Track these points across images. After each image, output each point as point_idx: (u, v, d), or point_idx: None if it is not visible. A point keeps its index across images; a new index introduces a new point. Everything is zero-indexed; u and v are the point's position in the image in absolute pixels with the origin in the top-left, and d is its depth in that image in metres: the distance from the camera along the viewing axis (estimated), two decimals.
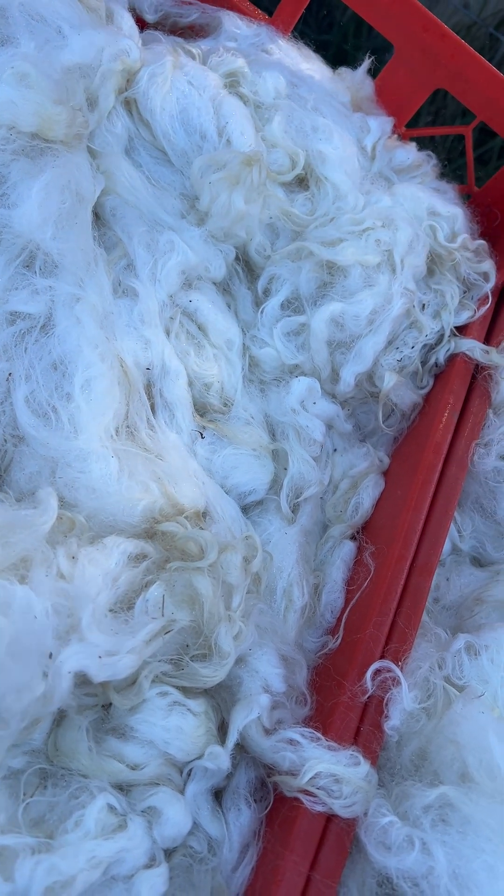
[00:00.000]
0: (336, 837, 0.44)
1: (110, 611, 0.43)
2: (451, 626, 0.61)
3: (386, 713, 0.49)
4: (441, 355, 0.70)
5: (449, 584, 0.66)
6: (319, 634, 0.57)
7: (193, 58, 0.70)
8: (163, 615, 0.44)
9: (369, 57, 0.76)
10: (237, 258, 0.68)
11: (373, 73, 0.80)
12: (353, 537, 0.63)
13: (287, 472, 0.61)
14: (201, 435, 0.59)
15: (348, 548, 0.62)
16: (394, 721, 0.49)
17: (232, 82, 0.70)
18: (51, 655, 0.39)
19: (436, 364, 0.70)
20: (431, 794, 0.45)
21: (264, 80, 0.71)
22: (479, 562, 0.70)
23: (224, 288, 0.67)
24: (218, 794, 0.48)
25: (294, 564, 0.58)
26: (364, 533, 0.63)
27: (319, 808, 0.45)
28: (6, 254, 0.53)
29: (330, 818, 0.45)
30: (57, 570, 0.41)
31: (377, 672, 0.50)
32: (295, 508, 0.61)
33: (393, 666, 0.50)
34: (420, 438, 0.65)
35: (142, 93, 0.65)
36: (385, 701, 0.49)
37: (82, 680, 0.42)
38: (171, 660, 0.46)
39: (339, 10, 1.38)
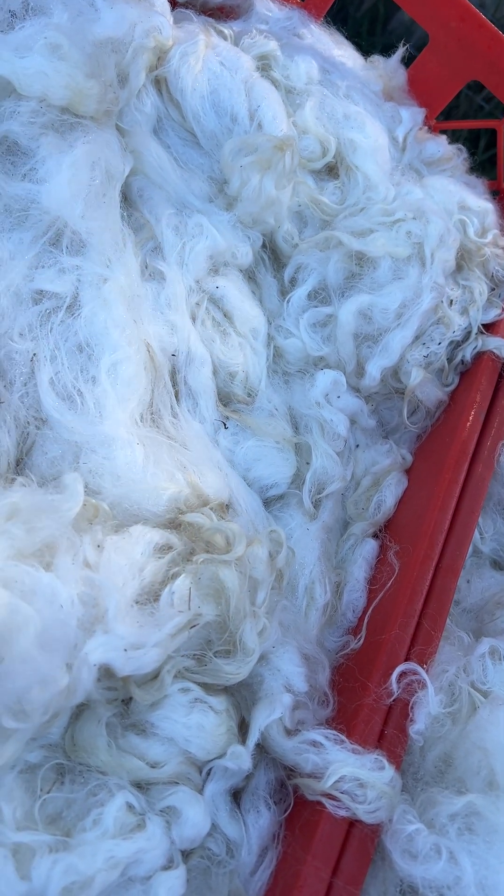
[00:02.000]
0: (359, 843, 0.43)
1: (136, 602, 0.41)
2: (471, 629, 0.60)
3: (411, 717, 0.48)
4: (468, 353, 0.68)
5: (469, 586, 0.64)
6: (340, 634, 0.56)
7: (225, 38, 0.68)
8: (189, 608, 0.42)
9: (403, 45, 0.74)
10: (264, 245, 0.66)
11: (404, 62, 0.78)
12: (374, 535, 0.62)
13: (310, 467, 0.60)
14: (224, 425, 0.57)
15: (370, 546, 0.60)
16: (419, 725, 0.47)
17: (264, 65, 0.68)
18: (76, 647, 0.37)
19: (462, 361, 0.68)
20: (459, 803, 0.44)
21: (296, 64, 0.69)
22: (499, 565, 0.68)
23: (249, 275, 0.66)
24: (236, 795, 0.47)
25: (316, 561, 0.56)
26: (387, 531, 0.62)
27: (342, 813, 0.43)
28: (33, 230, 0.51)
29: (353, 823, 0.43)
30: (83, 558, 0.39)
31: (402, 674, 0.49)
32: (317, 504, 0.60)
33: (419, 668, 0.49)
34: (446, 437, 0.64)
35: (173, 72, 0.63)
36: (410, 704, 0.48)
37: (103, 673, 0.40)
38: (194, 655, 0.45)
39: (354, 5, 1.36)
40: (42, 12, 0.54)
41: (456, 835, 0.43)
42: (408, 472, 0.66)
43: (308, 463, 0.60)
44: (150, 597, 0.42)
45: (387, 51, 0.79)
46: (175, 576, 0.43)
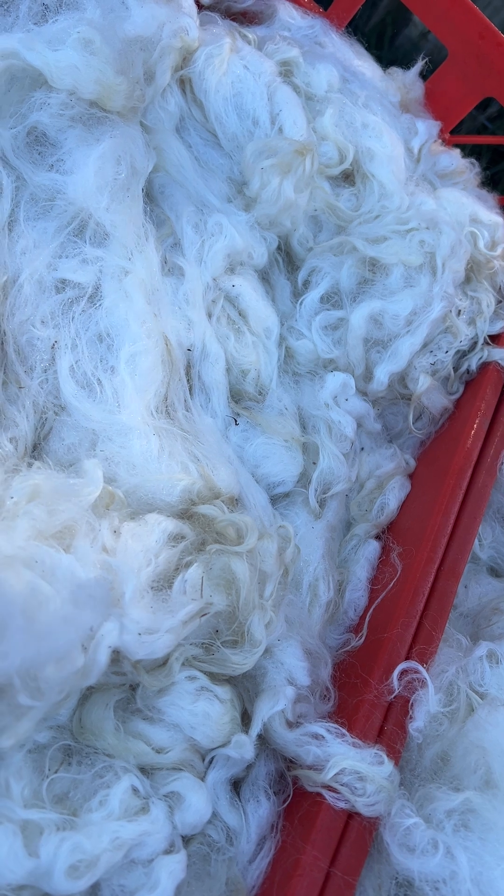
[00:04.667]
0: (357, 835, 0.44)
1: (150, 588, 0.42)
2: (468, 633, 0.61)
3: (411, 714, 0.48)
4: (473, 362, 0.70)
5: (467, 591, 0.65)
6: (341, 632, 0.57)
7: (249, 43, 0.69)
8: (201, 597, 0.43)
9: (425, 58, 0.76)
10: (279, 247, 0.67)
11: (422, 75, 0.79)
12: (377, 537, 0.63)
13: (316, 467, 0.61)
14: (235, 421, 0.58)
15: (373, 547, 0.61)
16: (418, 723, 0.48)
17: (286, 71, 0.69)
18: (92, 629, 0.38)
19: (467, 371, 0.70)
20: (456, 799, 0.44)
21: (318, 72, 0.70)
22: (496, 572, 0.69)
23: (263, 276, 0.67)
24: (235, 785, 0.48)
25: (320, 559, 0.57)
26: (389, 533, 0.63)
27: (342, 805, 0.44)
28: (58, 220, 0.52)
29: (351, 815, 0.44)
30: (101, 542, 0.40)
31: (403, 672, 0.49)
32: (322, 503, 0.61)
33: (420, 667, 0.49)
34: (450, 444, 0.65)
35: (198, 73, 0.64)
36: (410, 702, 0.49)
37: (113, 657, 0.41)
38: (202, 644, 0.45)
39: (363, 19, 1.38)
40: (75, 7, 0.55)
41: (452, 830, 0.44)
42: (411, 476, 0.67)
43: (315, 463, 0.61)
44: (163, 584, 0.43)
45: (392, 65, 0.81)
46: (188, 564, 0.44)
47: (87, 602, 0.37)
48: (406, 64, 0.81)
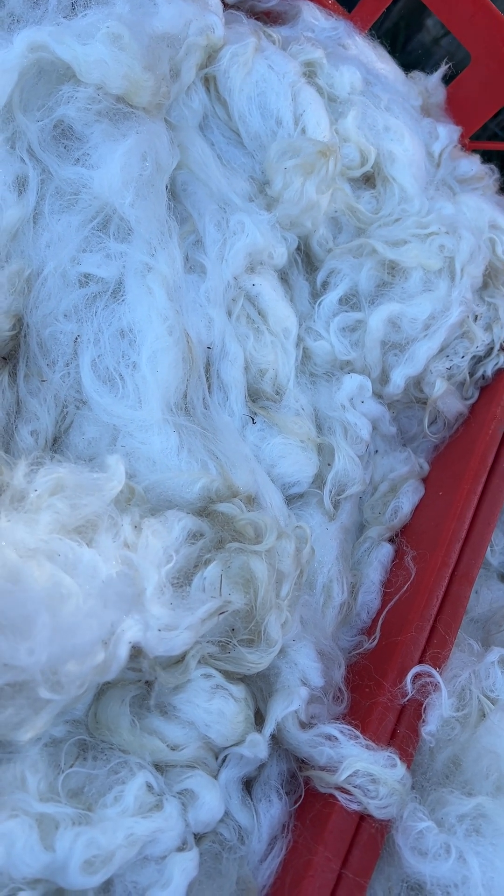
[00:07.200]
0: (369, 837, 0.44)
1: (170, 585, 0.42)
2: (478, 639, 0.61)
3: (424, 718, 0.48)
4: (489, 368, 0.70)
5: (478, 597, 0.65)
6: (354, 634, 0.57)
7: (274, 43, 0.69)
8: (220, 595, 0.43)
9: (446, 64, 0.76)
10: (298, 248, 0.67)
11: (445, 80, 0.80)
12: (390, 540, 0.63)
13: (331, 468, 0.61)
14: (252, 420, 0.58)
15: (386, 550, 0.61)
16: (431, 726, 0.48)
17: (309, 72, 0.69)
18: (113, 624, 0.38)
19: (483, 376, 0.70)
20: (469, 804, 0.44)
21: (341, 73, 0.70)
22: None
23: (282, 276, 0.66)
24: (247, 785, 0.48)
25: (334, 561, 0.57)
26: (402, 537, 0.63)
27: (354, 807, 0.44)
28: (82, 214, 0.52)
29: (363, 817, 0.44)
30: (123, 537, 0.40)
31: (417, 676, 0.49)
32: (336, 505, 0.61)
33: (433, 671, 0.49)
34: (465, 449, 0.65)
35: (222, 71, 0.64)
36: (423, 706, 0.49)
37: (131, 653, 0.41)
38: (219, 642, 0.45)
39: (376, 25, 1.38)
40: (104, 2, 0.55)
41: (464, 835, 0.44)
42: (424, 480, 0.67)
43: (329, 464, 0.61)
44: (182, 581, 0.43)
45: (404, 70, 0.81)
46: (207, 562, 0.44)
47: (110, 597, 0.37)
48: (417, 69, 0.81)
